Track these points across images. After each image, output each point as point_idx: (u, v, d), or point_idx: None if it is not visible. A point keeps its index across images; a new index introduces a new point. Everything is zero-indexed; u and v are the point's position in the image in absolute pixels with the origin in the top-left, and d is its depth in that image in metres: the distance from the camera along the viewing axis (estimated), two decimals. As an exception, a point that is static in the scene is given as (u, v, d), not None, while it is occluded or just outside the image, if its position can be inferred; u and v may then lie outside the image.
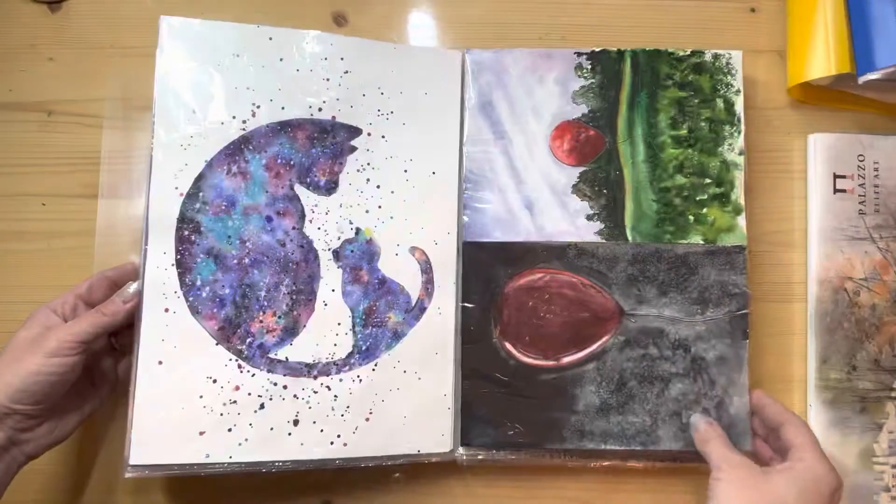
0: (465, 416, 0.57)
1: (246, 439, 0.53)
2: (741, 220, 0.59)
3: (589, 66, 0.61)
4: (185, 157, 0.54)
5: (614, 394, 0.57)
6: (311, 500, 0.59)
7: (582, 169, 0.60)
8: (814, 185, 0.62)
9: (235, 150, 0.56)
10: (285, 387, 0.54)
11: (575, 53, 0.61)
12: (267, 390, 0.54)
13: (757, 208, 0.62)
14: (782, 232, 0.62)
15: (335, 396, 0.55)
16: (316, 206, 0.57)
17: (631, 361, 0.57)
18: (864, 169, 0.61)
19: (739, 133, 0.60)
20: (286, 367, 0.55)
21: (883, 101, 0.63)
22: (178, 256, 0.54)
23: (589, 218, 0.59)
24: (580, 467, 0.58)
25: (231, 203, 0.55)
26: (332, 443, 0.54)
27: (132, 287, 0.53)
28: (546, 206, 0.60)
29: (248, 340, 0.54)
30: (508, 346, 0.58)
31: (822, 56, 0.60)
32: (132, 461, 0.51)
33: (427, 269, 0.58)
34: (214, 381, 0.53)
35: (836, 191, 0.61)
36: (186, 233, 0.54)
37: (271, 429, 0.54)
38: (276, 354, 0.55)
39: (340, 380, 0.55)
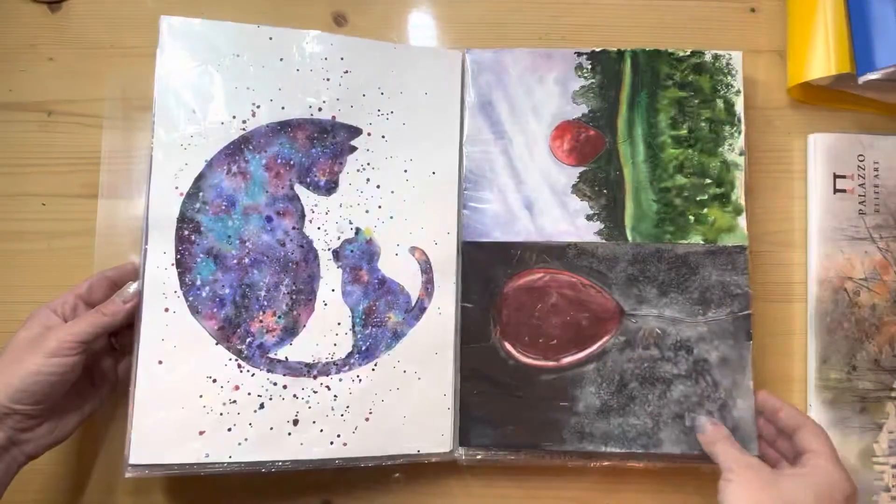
0: (463, 417, 0.57)
1: (245, 439, 0.53)
2: (742, 221, 0.59)
3: (589, 66, 0.61)
4: (186, 157, 0.55)
5: (615, 395, 0.56)
6: (310, 499, 0.59)
7: (582, 169, 0.60)
8: (814, 185, 0.62)
9: (235, 150, 0.56)
10: (285, 386, 0.54)
11: (575, 53, 0.61)
12: (267, 390, 0.54)
13: (757, 208, 0.62)
14: (782, 232, 0.62)
15: (335, 396, 0.55)
16: (316, 205, 0.57)
17: (632, 362, 0.57)
18: (864, 169, 0.61)
19: (740, 133, 0.60)
20: (286, 366, 0.55)
21: (883, 101, 0.63)
22: (178, 256, 0.54)
23: (589, 218, 0.59)
24: (580, 467, 0.58)
25: (231, 203, 0.55)
26: (331, 443, 0.54)
27: (132, 287, 0.53)
28: (546, 206, 0.59)
29: (248, 340, 0.54)
30: (508, 346, 0.58)
31: (822, 56, 0.60)
32: (132, 460, 0.51)
33: (427, 268, 0.58)
34: (214, 381, 0.53)
35: (836, 191, 0.61)
36: (186, 232, 0.54)
37: (271, 428, 0.54)
38: (275, 354, 0.55)
39: (340, 380, 0.55)
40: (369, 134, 0.59)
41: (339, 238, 0.57)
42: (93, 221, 0.61)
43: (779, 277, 0.62)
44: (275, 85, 0.57)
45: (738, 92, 0.60)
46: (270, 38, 0.57)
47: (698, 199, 0.59)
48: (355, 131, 0.58)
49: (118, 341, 0.56)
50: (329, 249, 0.57)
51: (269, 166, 0.56)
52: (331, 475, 0.58)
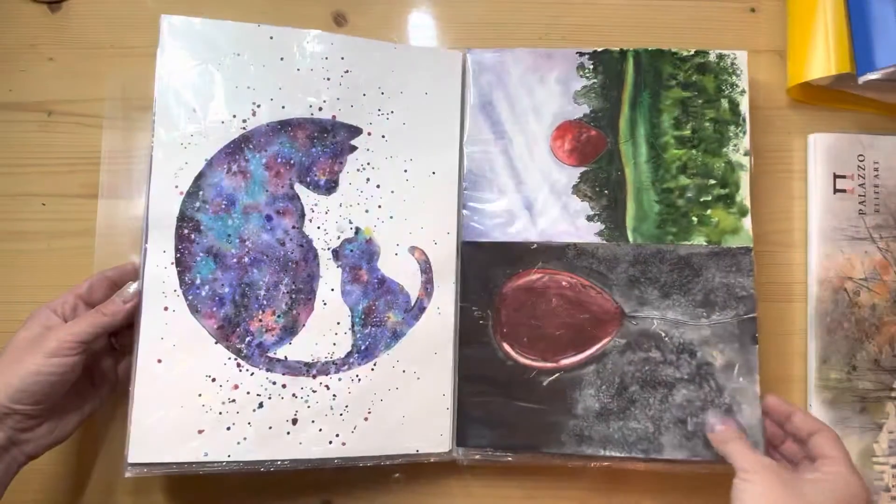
0: (461, 417, 0.57)
1: (245, 438, 0.53)
2: (747, 222, 0.58)
3: (591, 66, 0.61)
4: (186, 156, 0.54)
5: (615, 398, 0.56)
6: (310, 499, 0.59)
7: (583, 169, 0.60)
8: (814, 185, 0.61)
9: (236, 149, 0.56)
10: (284, 386, 0.54)
11: (577, 53, 0.61)
12: (266, 389, 0.54)
13: (757, 208, 0.61)
14: (782, 232, 0.62)
15: (334, 396, 0.55)
16: (316, 205, 0.57)
17: (632, 365, 0.56)
18: (864, 169, 0.61)
19: (745, 133, 0.59)
20: (285, 366, 0.55)
21: (883, 101, 0.63)
22: (178, 255, 0.54)
23: (589, 218, 0.59)
24: (580, 468, 0.57)
25: (231, 202, 0.55)
26: (330, 442, 0.54)
27: (132, 287, 0.53)
28: (546, 206, 0.59)
29: (248, 339, 0.54)
30: (507, 346, 0.58)
31: (822, 56, 0.60)
32: (130, 459, 0.51)
33: (426, 268, 0.58)
34: (213, 380, 0.53)
35: (836, 191, 0.61)
36: (186, 231, 0.54)
37: (270, 428, 0.53)
38: (275, 353, 0.55)
39: (339, 379, 0.55)
40: (369, 134, 0.59)
41: (338, 237, 0.57)
42: (93, 221, 0.61)
43: (779, 277, 0.62)
44: (275, 84, 0.57)
45: (742, 92, 0.60)
46: (271, 38, 0.57)
47: (702, 200, 0.59)
48: (355, 131, 0.58)
49: (118, 341, 0.56)
50: (329, 249, 0.57)
51: (269, 165, 0.56)
52: (330, 475, 0.58)
